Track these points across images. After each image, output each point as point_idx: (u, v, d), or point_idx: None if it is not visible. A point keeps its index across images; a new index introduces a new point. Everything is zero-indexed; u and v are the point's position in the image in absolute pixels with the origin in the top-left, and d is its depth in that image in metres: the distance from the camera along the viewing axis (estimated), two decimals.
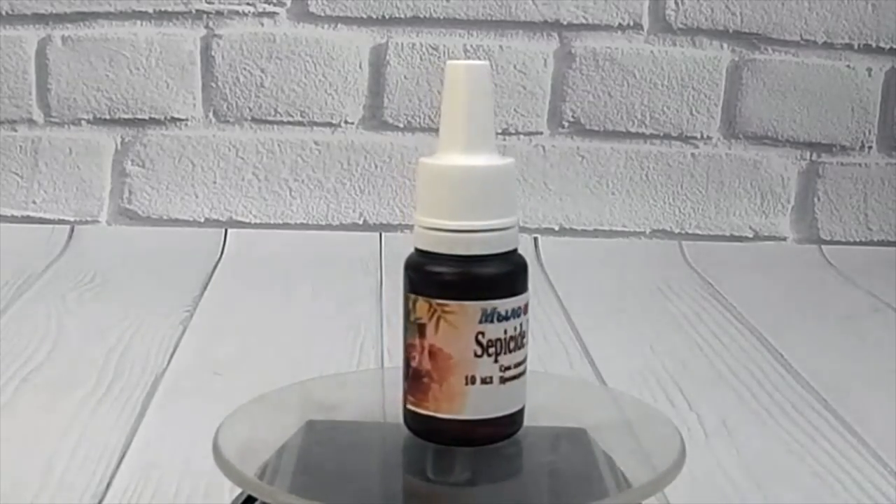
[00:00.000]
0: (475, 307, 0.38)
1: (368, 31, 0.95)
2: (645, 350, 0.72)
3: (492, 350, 0.39)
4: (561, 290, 0.86)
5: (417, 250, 0.39)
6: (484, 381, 0.39)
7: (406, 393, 0.40)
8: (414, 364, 0.39)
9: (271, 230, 0.97)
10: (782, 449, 0.57)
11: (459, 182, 0.39)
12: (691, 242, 0.99)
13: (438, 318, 0.39)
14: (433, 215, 0.39)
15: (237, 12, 0.94)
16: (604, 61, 0.96)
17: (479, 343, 0.39)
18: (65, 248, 0.92)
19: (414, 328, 0.39)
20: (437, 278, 0.39)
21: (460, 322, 0.38)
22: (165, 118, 0.95)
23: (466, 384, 0.39)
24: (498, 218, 0.39)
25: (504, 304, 0.39)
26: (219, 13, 0.94)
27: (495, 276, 0.39)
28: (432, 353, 0.39)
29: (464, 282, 0.38)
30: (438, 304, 0.38)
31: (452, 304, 0.38)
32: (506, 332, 0.39)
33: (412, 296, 0.39)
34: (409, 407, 0.40)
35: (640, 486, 0.38)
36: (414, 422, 0.40)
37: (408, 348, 0.39)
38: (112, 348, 0.69)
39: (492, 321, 0.39)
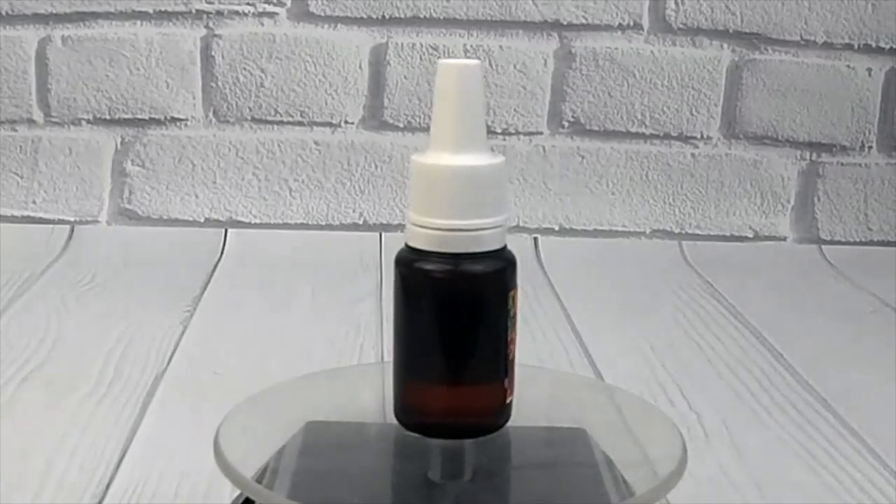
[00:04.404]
0: None
1: (368, 31, 0.95)
2: (645, 350, 0.72)
3: None
4: (561, 290, 0.86)
5: (408, 247, 0.40)
6: None
7: (507, 392, 0.40)
8: (511, 356, 0.40)
9: (271, 230, 0.97)
10: (782, 449, 0.57)
11: (448, 181, 0.39)
12: (691, 242, 0.99)
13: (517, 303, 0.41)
14: (423, 213, 0.39)
15: (237, 12, 0.94)
16: (604, 61, 0.96)
17: None
18: (65, 248, 0.92)
19: (514, 322, 0.40)
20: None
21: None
22: (165, 118, 0.95)
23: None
24: (487, 217, 0.39)
25: None
26: (219, 13, 0.94)
27: (485, 274, 0.39)
28: (515, 341, 0.41)
29: (453, 279, 0.39)
30: (517, 289, 0.40)
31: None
32: None
33: (512, 292, 0.39)
34: (510, 400, 0.41)
35: (642, 494, 0.38)
36: (509, 413, 0.41)
37: (508, 345, 0.40)
38: (112, 348, 0.69)
39: None
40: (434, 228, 0.39)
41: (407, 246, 0.40)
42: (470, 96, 0.39)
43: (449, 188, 0.39)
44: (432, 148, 0.39)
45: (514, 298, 0.39)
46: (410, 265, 0.39)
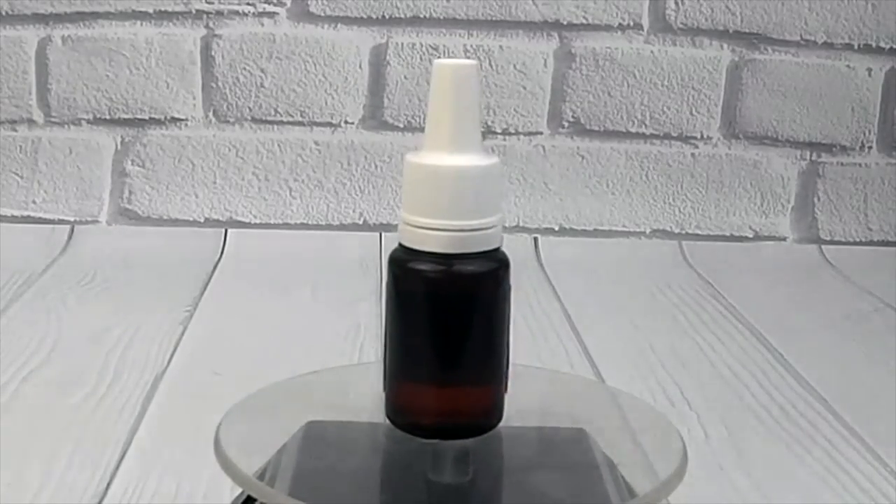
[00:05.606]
0: None
1: (368, 31, 0.95)
2: (645, 350, 0.72)
3: None
4: (561, 290, 0.86)
5: (401, 246, 0.39)
6: None
7: (501, 392, 0.40)
8: (505, 357, 0.41)
9: (271, 230, 0.97)
10: (782, 449, 0.57)
11: (442, 181, 0.38)
12: (691, 242, 0.99)
13: None
14: (417, 213, 0.39)
15: (237, 12, 0.94)
16: (604, 61, 0.96)
17: None
18: (65, 248, 0.92)
19: (507, 323, 0.40)
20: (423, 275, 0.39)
21: None
22: (165, 118, 0.95)
23: None
24: (480, 217, 0.39)
25: None
26: (219, 13, 0.94)
27: (479, 274, 0.39)
28: (509, 341, 0.41)
29: (447, 279, 0.38)
30: (511, 290, 0.41)
31: None
32: None
33: (506, 293, 0.40)
34: (503, 401, 0.41)
35: (643, 495, 0.38)
36: (501, 413, 0.41)
37: (502, 345, 0.40)
38: (112, 348, 0.69)
39: None
40: (428, 228, 0.38)
41: (401, 245, 0.39)
42: (465, 96, 0.39)
43: (443, 188, 0.38)
44: (427, 147, 0.39)
45: (507, 299, 0.39)
46: (404, 265, 0.39)
